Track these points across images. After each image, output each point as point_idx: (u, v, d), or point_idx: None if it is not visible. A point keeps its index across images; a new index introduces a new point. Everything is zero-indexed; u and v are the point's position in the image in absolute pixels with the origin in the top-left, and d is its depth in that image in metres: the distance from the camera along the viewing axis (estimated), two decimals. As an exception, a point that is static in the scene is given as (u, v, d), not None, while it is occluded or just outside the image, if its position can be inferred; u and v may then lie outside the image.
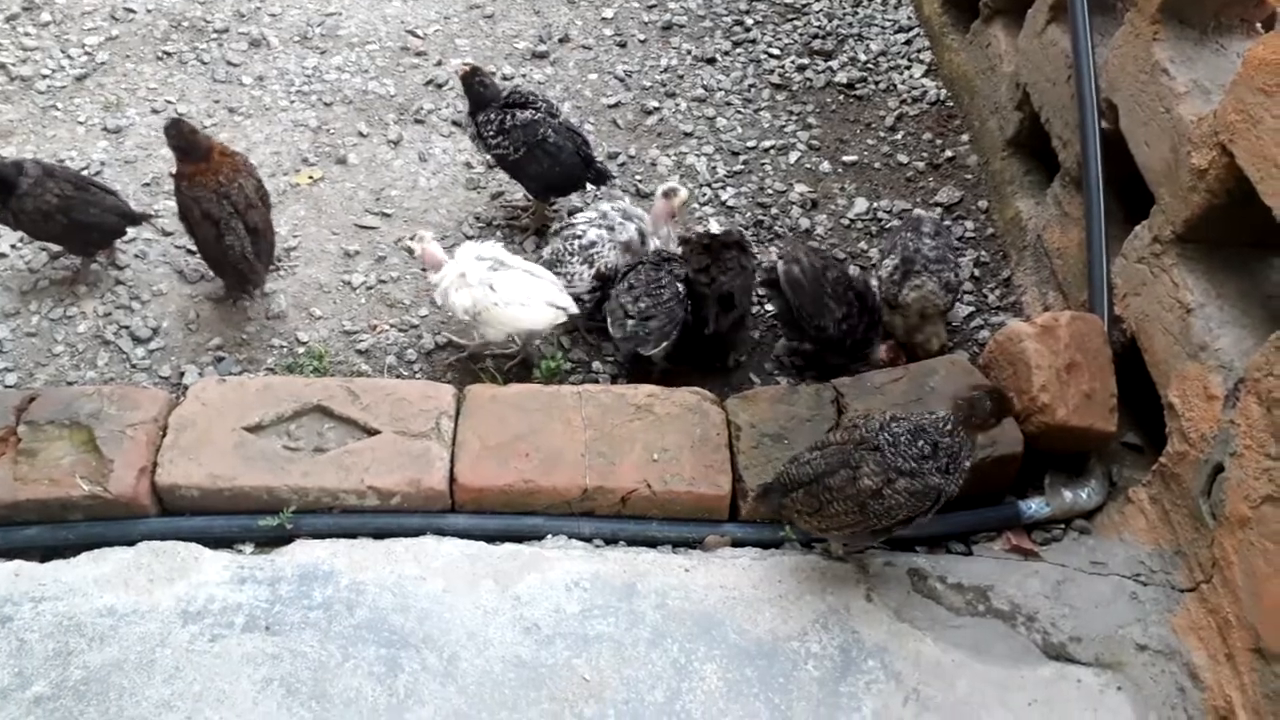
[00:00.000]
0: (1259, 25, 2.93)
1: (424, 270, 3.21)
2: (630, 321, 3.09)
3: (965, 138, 4.05)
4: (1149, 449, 2.91)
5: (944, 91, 4.23)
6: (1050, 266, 3.37)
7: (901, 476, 2.40)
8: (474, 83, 3.54)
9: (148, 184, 3.70)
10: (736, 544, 2.77)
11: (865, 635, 2.55)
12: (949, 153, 4.02)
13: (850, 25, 4.55)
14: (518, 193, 3.75)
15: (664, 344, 3.10)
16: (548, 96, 3.84)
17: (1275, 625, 2.27)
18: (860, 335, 3.19)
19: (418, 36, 4.44)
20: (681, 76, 4.35)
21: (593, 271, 3.27)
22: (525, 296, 3.04)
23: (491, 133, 3.49)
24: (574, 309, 3.12)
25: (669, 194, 3.35)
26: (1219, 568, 2.46)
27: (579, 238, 3.30)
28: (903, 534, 2.62)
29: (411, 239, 3.15)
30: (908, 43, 4.46)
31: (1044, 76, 3.48)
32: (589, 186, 3.69)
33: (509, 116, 3.48)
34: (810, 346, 3.28)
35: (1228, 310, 2.63)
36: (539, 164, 3.51)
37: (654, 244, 3.35)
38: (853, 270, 3.37)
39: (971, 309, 3.48)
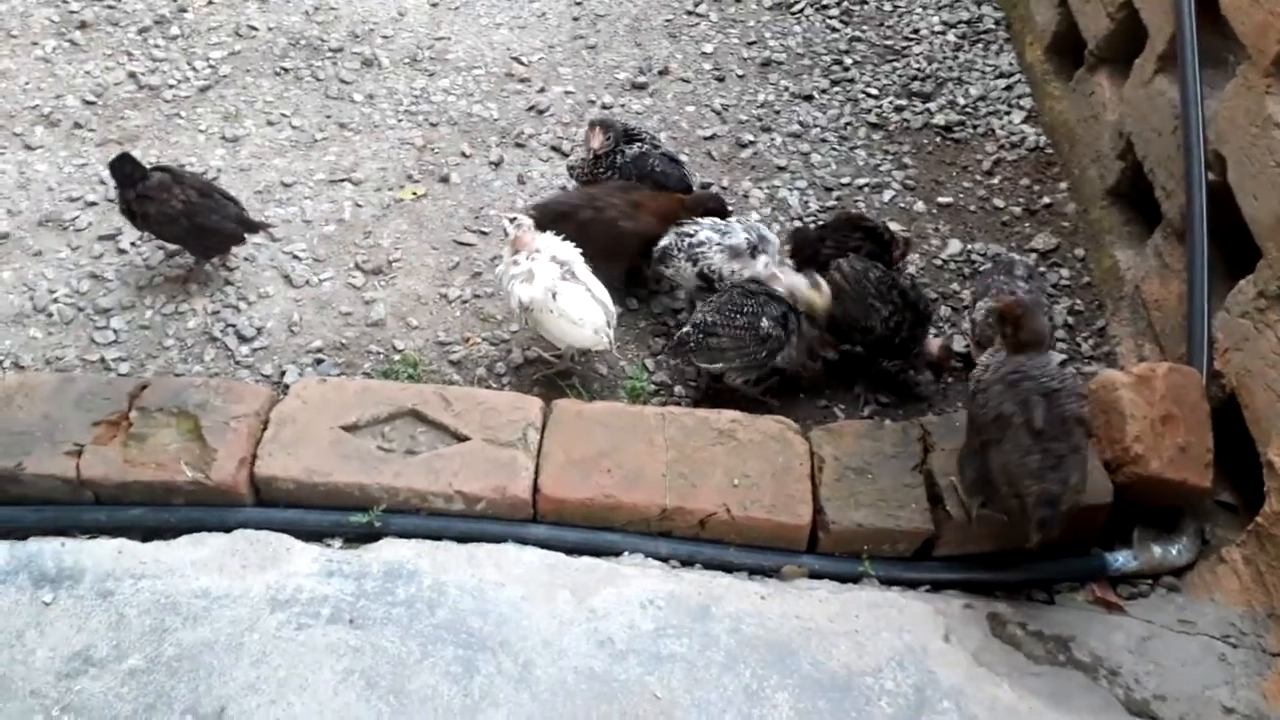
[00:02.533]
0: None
1: (510, 251, 3.19)
2: (687, 329, 3.19)
3: (1064, 185, 4.01)
4: (1244, 509, 2.83)
5: (1044, 138, 4.20)
6: (1147, 318, 3.32)
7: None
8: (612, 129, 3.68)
9: (260, 191, 3.86)
10: (814, 575, 2.76)
11: (941, 676, 2.52)
12: (1046, 199, 3.98)
13: (950, 69, 4.55)
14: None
15: (727, 368, 3.17)
16: (647, 128, 3.93)
17: (1376, 697, 2.19)
18: (907, 333, 3.22)
19: (522, 64, 4.57)
20: (778, 112, 4.40)
21: (696, 269, 3.32)
22: (579, 315, 3.10)
23: (603, 169, 3.60)
24: (609, 344, 3.16)
25: (814, 286, 3.24)
26: (1316, 634, 2.38)
27: (690, 235, 3.35)
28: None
29: (511, 220, 3.18)
30: (1008, 88, 4.45)
31: (1149, 126, 3.44)
32: None
33: (620, 155, 3.59)
34: (861, 350, 3.32)
35: (1336, 369, 2.56)
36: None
37: (760, 268, 3.32)
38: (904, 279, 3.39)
39: (1064, 357, 3.43)
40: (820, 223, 3.76)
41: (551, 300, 3.09)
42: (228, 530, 2.68)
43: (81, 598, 2.52)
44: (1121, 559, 2.80)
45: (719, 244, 3.32)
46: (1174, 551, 2.81)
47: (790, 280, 3.25)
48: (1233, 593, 2.68)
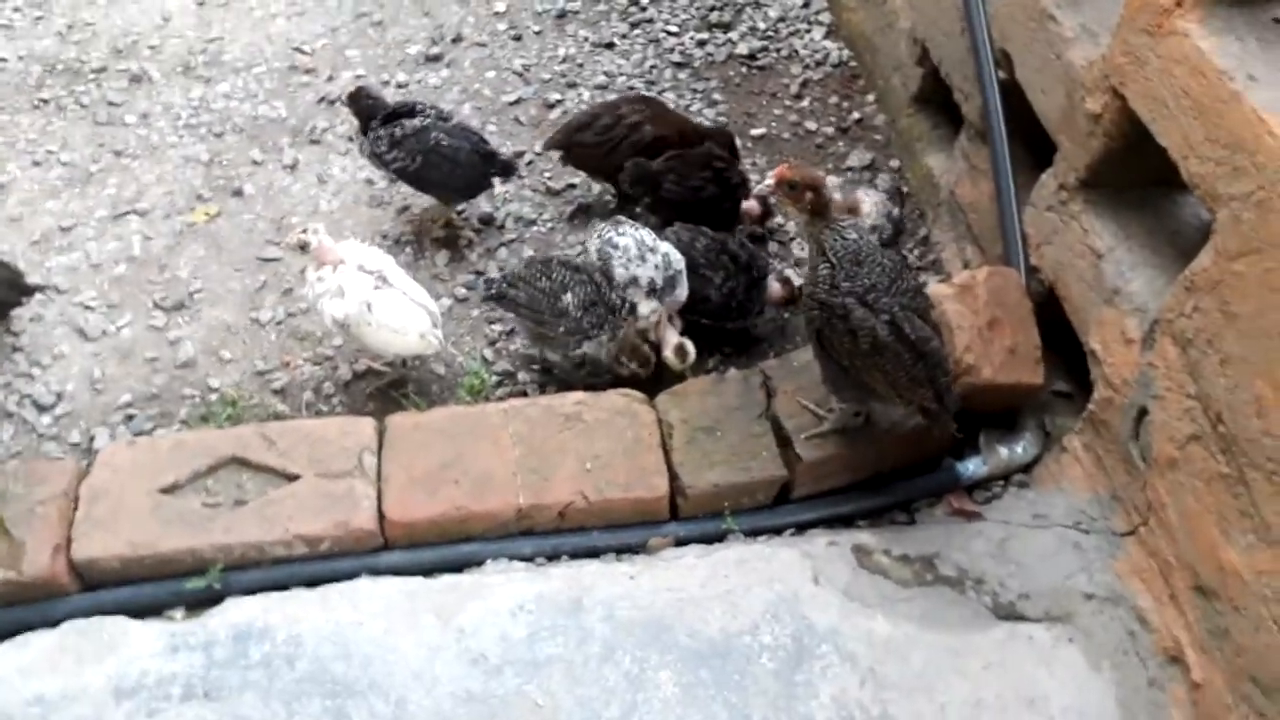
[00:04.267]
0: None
1: (315, 267, 2.99)
2: (497, 275, 3.25)
3: (871, 98, 4.02)
4: (1080, 396, 2.92)
5: (846, 52, 4.19)
6: (965, 221, 3.36)
7: None
8: (361, 100, 3.44)
9: (36, 241, 3.54)
10: (680, 543, 2.73)
11: (816, 620, 2.53)
12: (856, 115, 3.98)
13: (746, -7, 4.48)
14: (423, 202, 3.66)
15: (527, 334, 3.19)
16: (436, 102, 3.75)
17: (1211, 562, 2.29)
18: (744, 295, 3.21)
19: (305, 53, 4.31)
20: (581, 65, 4.26)
21: (597, 263, 3.19)
22: (400, 323, 2.94)
23: (384, 148, 3.39)
24: (439, 345, 3.02)
25: (680, 352, 3.14)
26: (1154, 510, 2.48)
27: (616, 233, 3.21)
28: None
29: (304, 232, 2.95)
30: (805, 5, 4.41)
31: (939, 30, 3.45)
32: (497, 183, 3.62)
33: (398, 128, 3.38)
34: (706, 321, 3.26)
35: (1137, 252, 2.63)
36: (438, 169, 3.41)
37: (644, 309, 3.14)
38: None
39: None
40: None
41: (367, 313, 2.92)
42: (54, 625, 2.48)
43: (-102, 733, 2.31)
44: (972, 466, 2.86)
45: (630, 262, 3.12)
46: (1019, 449, 2.89)
47: (663, 334, 3.15)
48: (1077, 480, 2.76)
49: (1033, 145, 3.07)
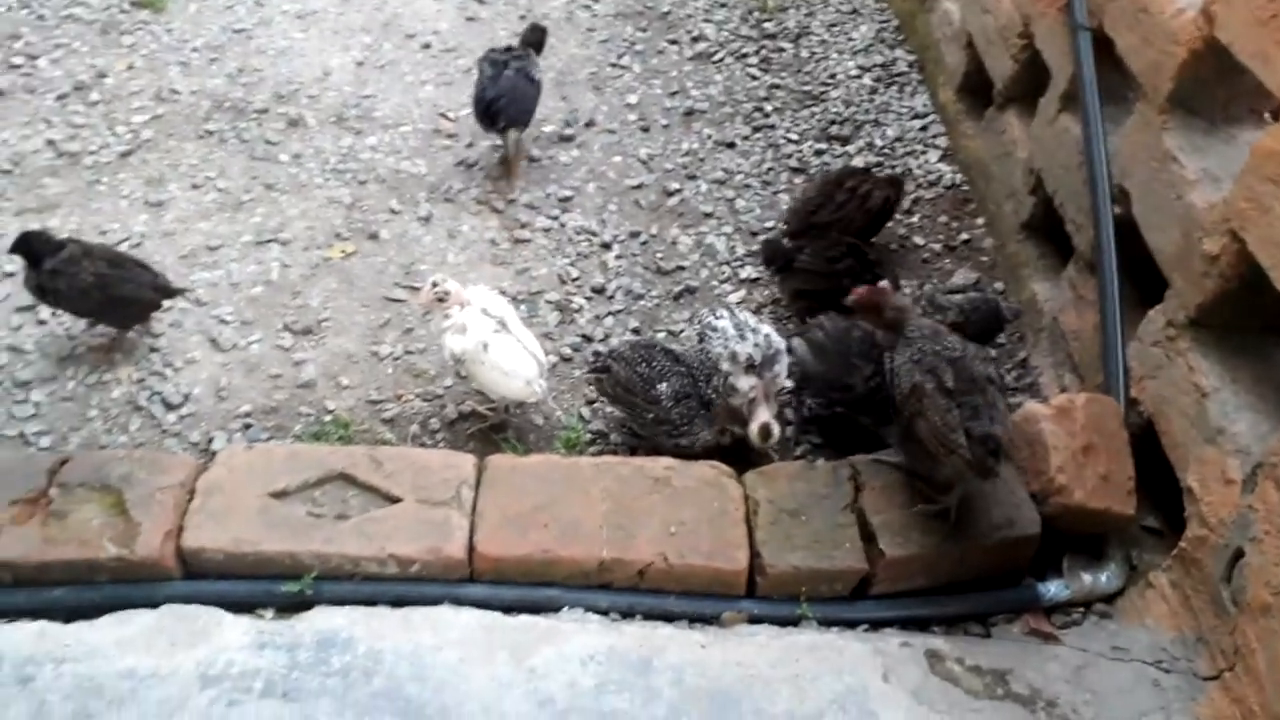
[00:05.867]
0: (1267, 115, 3.01)
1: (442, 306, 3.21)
2: (603, 349, 3.38)
3: (980, 221, 4.13)
4: (1169, 533, 2.90)
5: (959, 176, 4.32)
6: (1066, 349, 3.41)
7: None
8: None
9: (185, 256, 3.82)
10: (753, 620, 2.76)
11: (883, 717, 2.52)
12: (965, 235, 4.09)
13: (867, 112, 4.67)
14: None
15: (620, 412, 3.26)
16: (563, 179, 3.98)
17: (1299, 714, 2.24)
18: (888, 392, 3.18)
19: (449, 119, 4.60)
20: (702, 160, 4.47)
21: (698, 345, 3.29)
22: (510, 366, 3.12)
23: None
24: (543, 394, 3.19)
25: (763, 432, 3.16)
26: (1242, 655, 2.44)
27: (715, 316, 3.31)
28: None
29: (436, 285, 3.18)
30: (924, 129, 4.58)
31: (1057, 163, 3.56)
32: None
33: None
34: (841, 410, 3.28)
35: (1243, 395, 2.65)
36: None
37: (743, 385, 3.17)
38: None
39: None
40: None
41: (483, 352, 3.10)
42: (154, 606, 2.61)
43: (0, 685, 2.43)
44: (1053, 588, 2.85)
45: (728, 341, 3.19)
46: (1103, 579, 2.86)
47: (755, 410, 3.15)
48: (1162, 617, 2.73)
49: (1140, 280, 3.13)
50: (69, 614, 2.62)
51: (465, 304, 3.14)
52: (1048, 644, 2.75)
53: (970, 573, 2.83)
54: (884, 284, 3.41)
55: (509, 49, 4.37)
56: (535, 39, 4.43)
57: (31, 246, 3.25)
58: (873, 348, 3.20)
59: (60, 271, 3.21)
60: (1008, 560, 2.84)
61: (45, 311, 3.54)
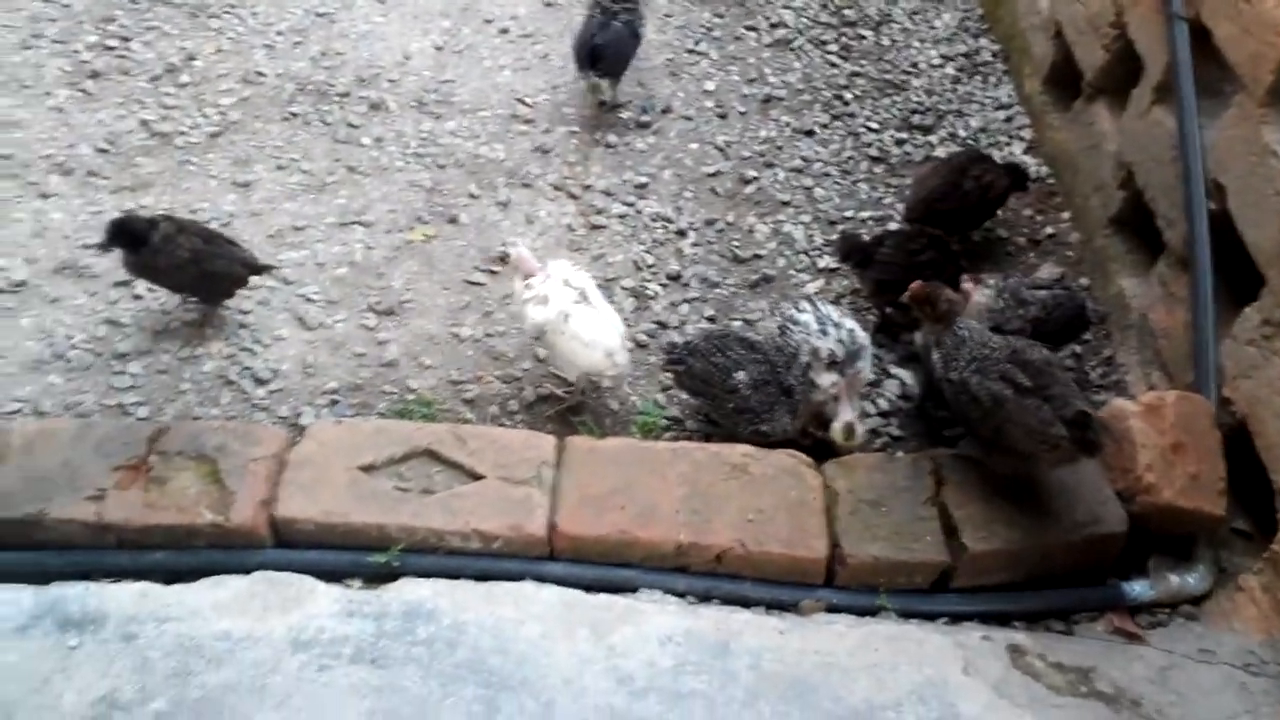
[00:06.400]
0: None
1: (523, 277, 3.31)
2: (679, 340, 3.39)
3: (1066, 215, 4.06)
4: (1259, 536, 2.85)
5: (1044, 169, 4.26)
6: (1155, 346, 3.34)
7: None
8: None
9: (272, 235, 3.90)
10: (831, 609, 2.77)
11: (962, 709, 2.52)
12: (1050, 229, 4.03)
13: (950, 101, 4.62)
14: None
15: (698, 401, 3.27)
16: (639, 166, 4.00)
17: (1398, 722, 2.19)
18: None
19: (527, 104, 4.64)
20: (780, 148, 4.46)
21: (778, 336, 3.27)
22: (590, 337, 3.14)
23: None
24: (626, 365, 3.21)
25: (846, 431, 3.13)
26: (1335, 660, 2.39)
27: (797, 310, 3.29)
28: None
29: (504, 245, 3.28)
30: (1008, 120, 4.51)
31: (1149, 156, 3.49)
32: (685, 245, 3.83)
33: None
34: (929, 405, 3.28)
35: (1344, 395, 2.59)
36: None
37: (824, 381, 3.16)
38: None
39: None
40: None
41: (564, 323, 3.14)
42: (248, 572, 2.70)
43: (106, 641, 2.53)
44: (1139, 588, 2.82)
45: (810, 336, 3.18)
46: (1191, 580, 2.82)
47: (839, 409, 3.13)
48: (1251, 620, 2.68)
49: (1234, 277, 3.06)
50: (168, 576, 2.72)
51: (533, 271, 3.22)
52: (1132, 644, 2.73)
53: (1054, 569, 2.82)
54: (966, 277, 3.39)
55: None
56: None
57: (131, 231, 3.34)
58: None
59: (159, 249, 3.31)
60: (1092, 558, 2.81)
61: (141, 286, 3.65)
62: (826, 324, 3.21)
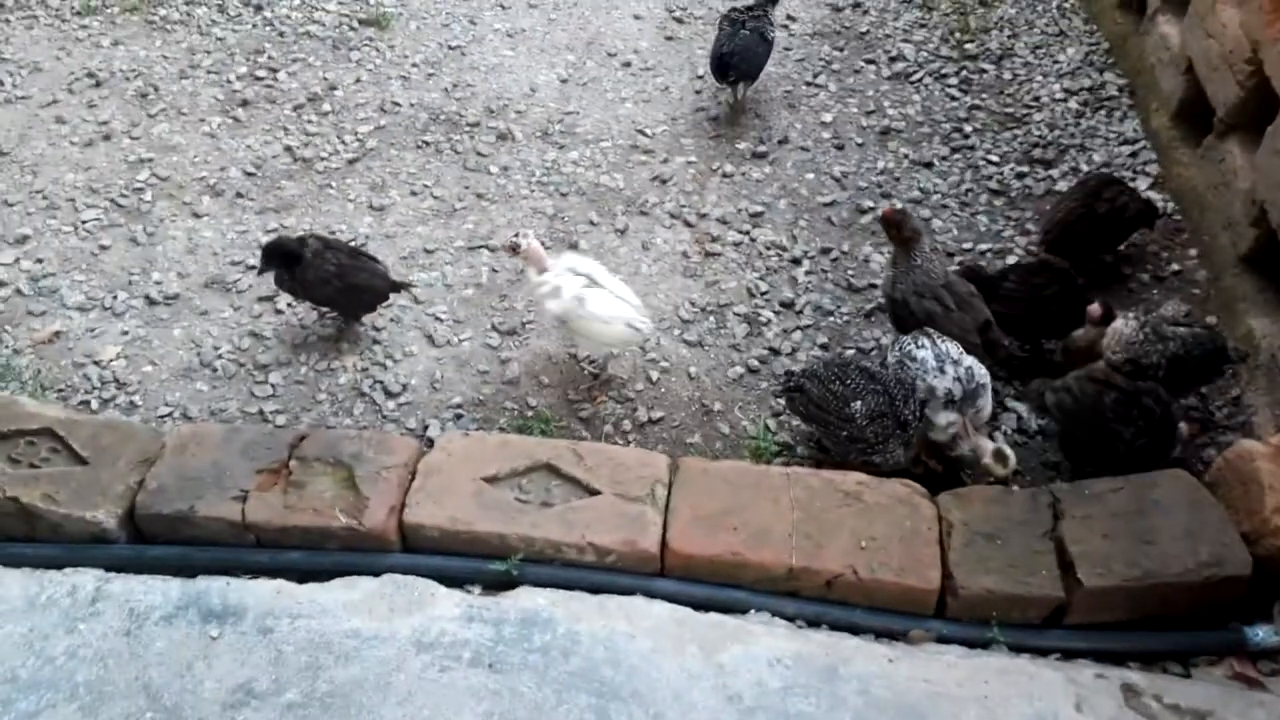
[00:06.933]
0: None
1: (535, 272, 3.50)
2: (795, 369, 3.54)
3: (1193, 252, 3.97)
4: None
5: (1171, 205, 4.17)
6: (1286, 387, 3.25)
7: None
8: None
9: (405, 257, 4.12)
10: (941, 640, 2.77)
11: (1074, 746, 2.49)
12: (1175, 266, 3.94)
13: (1072, 136, 4.56)
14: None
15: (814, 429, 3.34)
16: (755, 195, 4.05)
17: None
18: (1153, 446, 3.05)
19: (646, 135, 4.77)
20: (898, 179, 4.48)
21: (896, 373, 3.25)
22: (608, 314, 3.37)
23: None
24: (648, 330, 3.45)
25: (999, 458, 3.12)
26: None
27: (914, 345, 3.26)
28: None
29: (517, 235, 3.46)
30: (1133, 155, 4.43)
31: (1285, 194, 3.40)
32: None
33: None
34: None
35: None
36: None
37: (941, 420, 3.17)
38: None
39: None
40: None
41: (580, 307, 3.35)
42: (376, 574, 2.84)
43: (244, 634, 2.71)
44: (1262, 633, 2.73)
45: (928, 374, 3.16)
46: (1317, 628, 2.73)
47: (976, 443, 3.12)
48: (1384, 674, 2.58)
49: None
50: (302, 575, 2.89)
51: (546, 266, 3.43)
52: (1253, 690, 2.65)
53: (1172, 610, 2.75)
54: (1095, 303, 3.37)
55: (749, 8, 4.81)
56: None
57: (285, 251, 3.56)
58: (1130, 408, 3.05)
59: (310, 264, 3.53)
60: (1213, 600, 2.74)
61: (283, 301, 3.89)
62: (944, 361, 3.18)
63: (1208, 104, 3.99)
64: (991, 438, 3.23)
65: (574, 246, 4.17)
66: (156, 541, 2.99)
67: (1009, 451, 3.11)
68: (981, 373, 3.20)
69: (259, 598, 2.79)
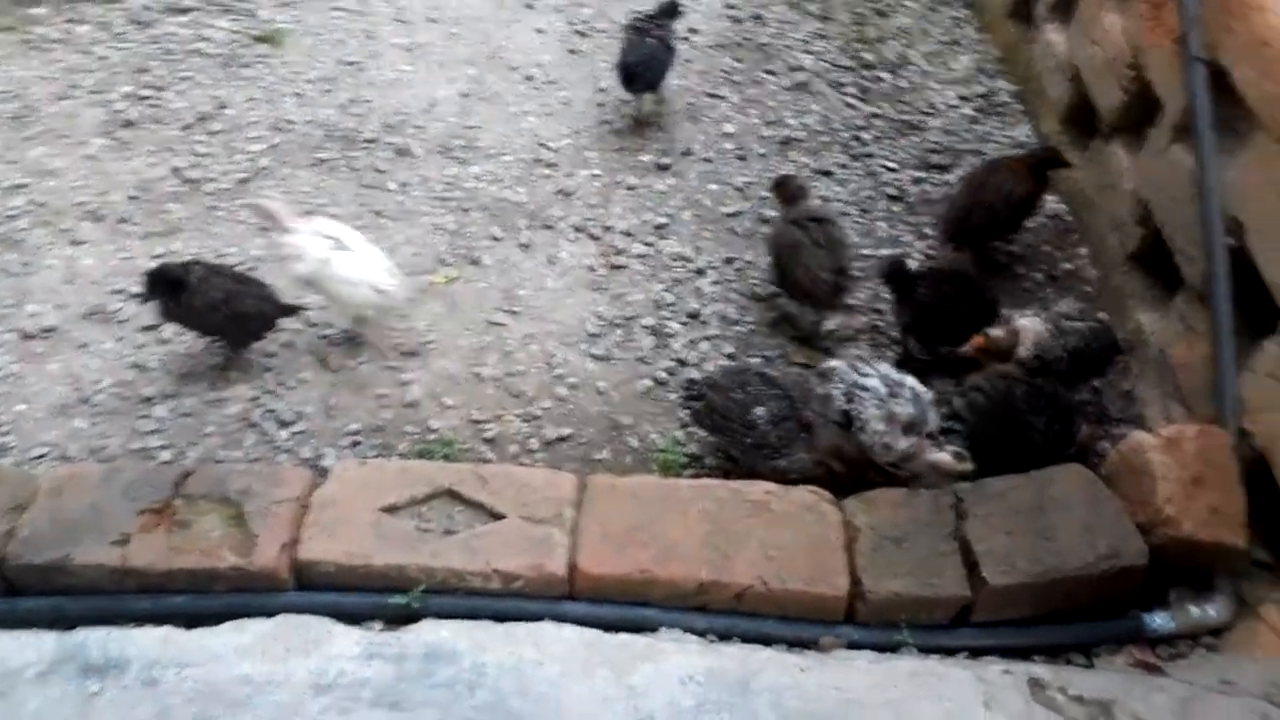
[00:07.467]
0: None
1: (278, 234, 3.59)
2: (698, 377, 3.51)
3: (1084, 251, 4.07)
4: (1279, 567, 2.82)
5: (1062, 206, 4.27)
6: (1174, 380, 3.33)
7: None
8: None
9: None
10: (852, 646, 2.76)
11: (984, 747, 2.50)
12: (1068, 265, 4.04)
13: (967, 141, 4.65)
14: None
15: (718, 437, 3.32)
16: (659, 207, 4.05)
17: None
18: (1063, 434, 3.14)
19: (550, 149, 4.71)
20: (799, 188, 4.50)
21: (843, 406, 3.14)
22: (356, 277, 3.47)
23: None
24: (394, 292, 3.52)
25: (959, 458, 3.16)
26: (1363, 695, 2.35)
27: (860, 375, 3.20)
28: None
29: (254, 200, 3.62)
30: (1025, 158, 4.53)
31: (1167, 195, 3.50)
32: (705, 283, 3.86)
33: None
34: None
35: (1367, 428, 2.57)
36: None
37: (901, 445, 3.11)
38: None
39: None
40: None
41: (327, 269, 3.44)
42: (270, 615, 2.71)
43: (127, 688, 2.55)
44: (1159, 620, 2.80)
45: (880, 402, 3.10)
46: (1211, 612, 2.80)
47: (934, 458, 3.10)
48: (1272, 651, 2.66)
49: (1252, 312, 3.05)
50: (190, 620, 2.74)
51: (285, 224, 3.50)
52: (1153, 676, 2.70)
53: (1075, 603, 2.80)
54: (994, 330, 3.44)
55: (651, 16, 4.80)
56: (671, 8, 4.86)
57: (169, 279, 3.42)
58: (1039, 399, 3.15)
59: (195, 290, 3.39)
60: (1113, 591, 2.79)
61: (168, 331, 3.72)
62: (894, 387, 3.12)
63: (1093, 108, 4.10)
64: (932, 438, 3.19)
65: (476, 263, 4.09)
66: (29, 593, 2.81)
67: (965, 451, 3.14)
68: (921, 389, 3.18)
69: (142, 648, 2.64)
